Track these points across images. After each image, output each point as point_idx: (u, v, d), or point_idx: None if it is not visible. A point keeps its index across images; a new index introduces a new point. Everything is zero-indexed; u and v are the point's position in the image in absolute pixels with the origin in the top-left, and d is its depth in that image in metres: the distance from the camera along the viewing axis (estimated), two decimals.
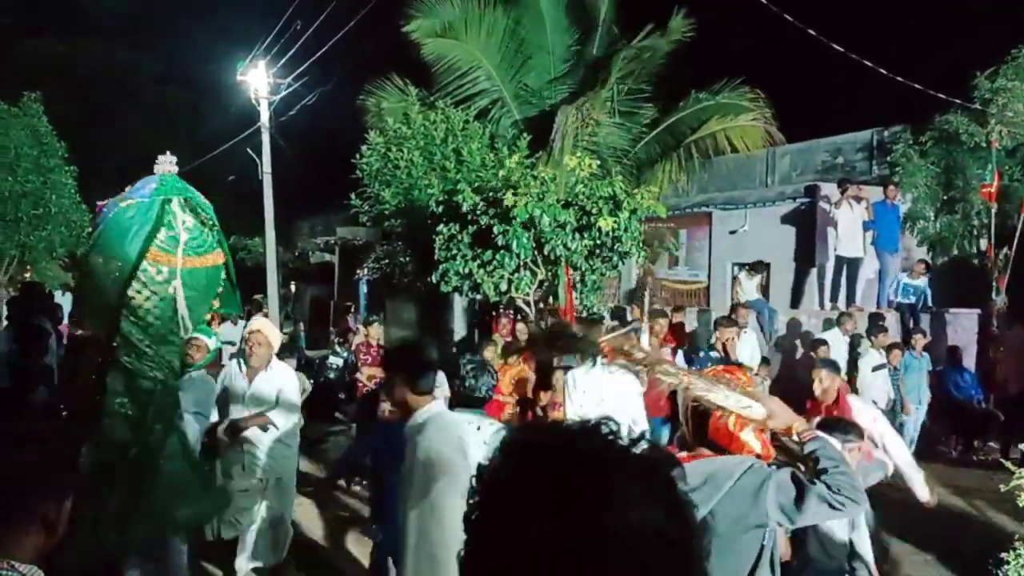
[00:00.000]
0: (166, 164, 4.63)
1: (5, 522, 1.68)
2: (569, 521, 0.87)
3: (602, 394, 5.99)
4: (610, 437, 0.96)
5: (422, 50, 14.44)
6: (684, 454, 2.72)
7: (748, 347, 9.37)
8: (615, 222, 9.13)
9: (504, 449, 0.98)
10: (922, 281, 11.83)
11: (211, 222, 4.56)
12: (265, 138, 17.96)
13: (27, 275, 17.52)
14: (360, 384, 9.25)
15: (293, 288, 26.42)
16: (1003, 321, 11.47)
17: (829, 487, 2.44)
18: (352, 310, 19.56)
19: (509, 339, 9.32)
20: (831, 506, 2.44)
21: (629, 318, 9.83)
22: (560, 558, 0.86)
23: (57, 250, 17.75)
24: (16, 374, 6.98)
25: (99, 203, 4.59)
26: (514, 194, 9.14)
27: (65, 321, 11.46)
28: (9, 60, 22.95)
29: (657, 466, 0.96)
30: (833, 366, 5.76)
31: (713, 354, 8.46)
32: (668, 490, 0.94)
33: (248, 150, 18.55)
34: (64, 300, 17.91)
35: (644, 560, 0.88)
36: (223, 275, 4.73)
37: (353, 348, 10.97)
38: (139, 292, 4.37)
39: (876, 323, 10.29)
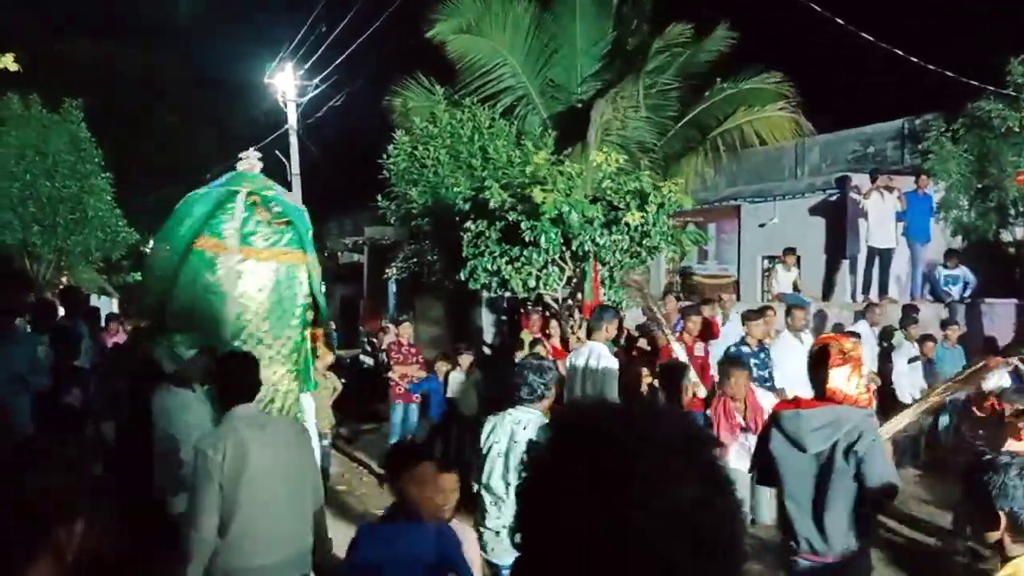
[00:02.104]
0: (248, 161, 4.71)
1: (15, 548, 1.57)
2: (611, 498, 0.88)
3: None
4: (649, 415, 0.97)
5: (447, 48, 14.47)
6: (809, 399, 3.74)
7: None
8: (643, 216, 9.10)
9: (549, 428, 1.01)
10: (960, 271, 11.67)
11: (286, 220, 4.66)
12: (293, 140, 18.15)
13: (64, 279, 17.85)
14: (392, 383, 9.32)
15: (323, 288, 26.59)
16: None
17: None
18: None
19: (539, 336, 9.33)
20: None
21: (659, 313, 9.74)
22: (604, 535, 0.87)
23: (93, 254, 18.06)
24: (52, 376, 7.11)
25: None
26: (542, 190, 9.15)
27: (103, 324, 11.68)
28: (48, 65, 23.37)
29: (697, 443, 0.96)
30: (741, 365, 6.27)
31: (744, 348, 8.40)
32: (708, 467, 0.94)
33: (276, 152, 18.75)
34: (101, 303, 18.28)
35: (686, 537, 0.88)
36: (300, 276, 4.82)
37: (384, 347, 11.05)
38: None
39: (909, 315, 10.14)
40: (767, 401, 5.89)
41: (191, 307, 4.80)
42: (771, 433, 3.74)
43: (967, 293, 11.68)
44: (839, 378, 3.56)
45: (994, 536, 2.52)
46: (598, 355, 6.35)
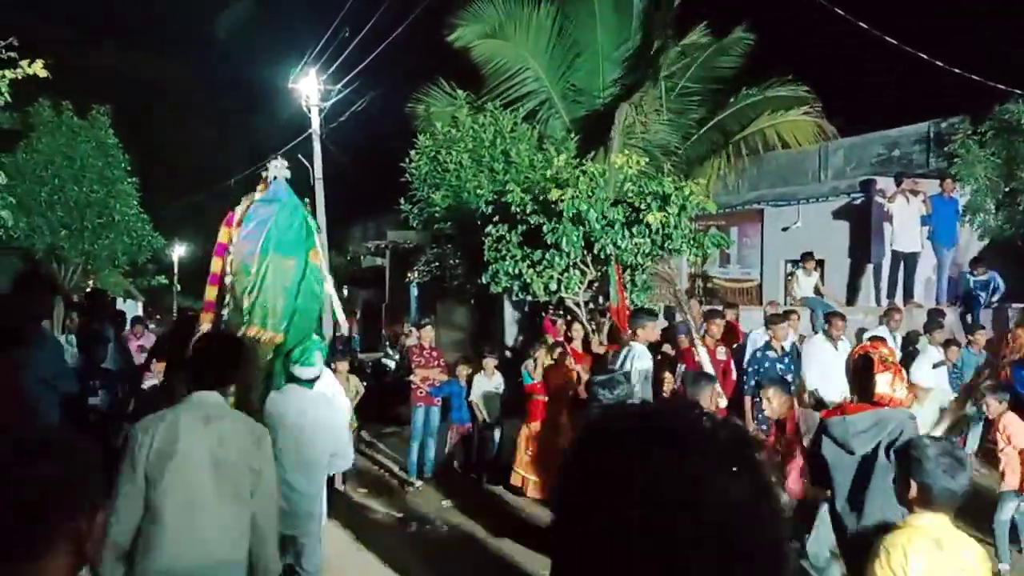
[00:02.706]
0: (277, 170, 4.82)
1: (29, 542, 1.47)
2: (662, 497, 0.87)
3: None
4: (695, 417, 0.96)
5: (472, 52, 14.54)
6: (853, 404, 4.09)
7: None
8: (664, 217, 9.07)
9: (591, 429, 0.98)
10: (990, 276, 11.54)
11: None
12: (316, 145, 18.26)
13: (91, 282, 18.08)
14: (414, 386, 9.35)
15: (346, 292, 26.81)
16: None
17: None
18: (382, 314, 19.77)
19: (560, 340, 9.33)
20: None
21: (687, 307, 9.69)
22: (651, 534, 0.86)
23: (119, 258, 18.28)
24: (79, 379, 7.20)
25: (230, 213, 4.81)
26: (559, 188, 9.16)
27: (128, 327, 11.82)
28: (77, 72, 23.73)
29: (743, 445, 0.95)
30: (783, 385, 6.07)
31: (770, 353, 8.35)
32: (754, 469, 0.93)
33: (300, 156, 18.88)
34: (125, 307, 18.50)
35: (732, 538, 0.87)
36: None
37: (406, 350, 11.09)
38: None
39: (935, 319, 10.03)
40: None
41: (311, 321, 4.85)
42: (822, 439, 4.04)
43: (996, 298, 11.54)
44: (884, 384, 3.96)
45: (907, 499, 3.09)
46: (635, 356, 6.43)
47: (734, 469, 0.90)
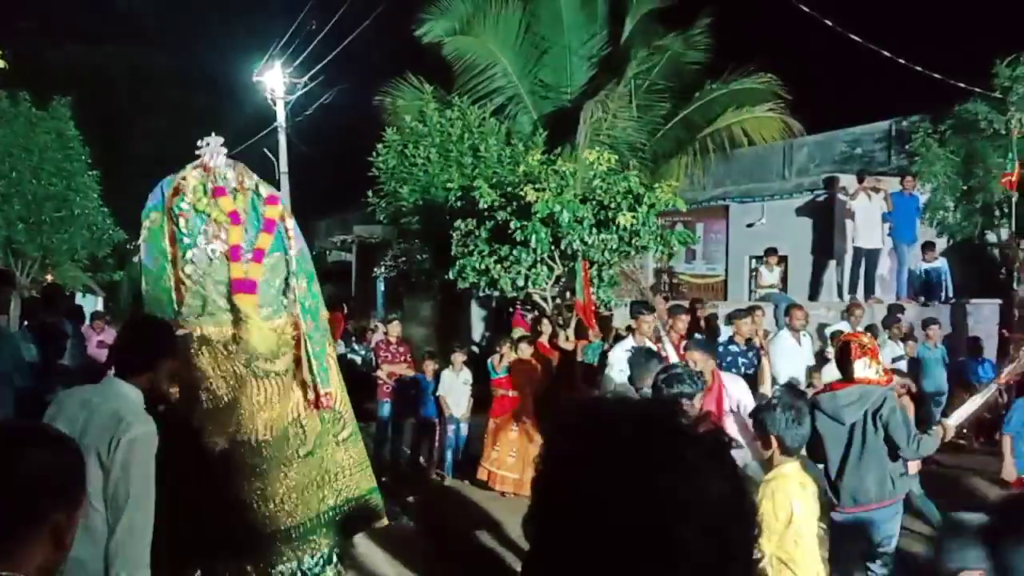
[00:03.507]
0: (210, 149, 4.39)
1: (12, 531, 1.46)
2: (657, 490, 0.88)
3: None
4: (681, 415, 0.98)
5: (443, 48, 14.47)
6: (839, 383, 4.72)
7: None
8: (634, 217, 9.12)
9: (577, 421, 0.98)
10: (940, 263, 11.82)
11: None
12: (281, 138, 18.11)
13: (49, 277, 17.73)
14: (380, 382, 9.31)
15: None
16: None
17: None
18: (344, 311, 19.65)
19: (527, 334, 9.35)
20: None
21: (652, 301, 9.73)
22: (645, 528, 0.86)
23: (79, 252, 17.93)
24: (37, 376, 7.07)
25: (271, 194, 4.26)
26: (534, 189, 9.16)
27: (87, 323, 11.61)
28: (37, 64, 23.24)
29: (725, 443, 0.98)
30: (705, 348, 6.20)
31: (733, 347, 8.43)
32: (734, 467, 0.96)
33: (265, 150, 18.68)
34: (84, 302, 18.17)
35: (718, 532, 0.88)
36: None
37: (372, 346, 11.02)
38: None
39: (894, 314, 10.21)
40: (737, 386, 5.83)
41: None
42: (815, 414, 4.43)
43: (945, 281, 11.80)
44: (860, 367, 4.59)
45: (767, 453, 3.61)
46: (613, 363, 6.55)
47: (719, 468, 0.93)
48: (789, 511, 3.32)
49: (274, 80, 18.26)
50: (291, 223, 4.21)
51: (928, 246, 12.19)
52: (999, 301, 11.83)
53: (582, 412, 1.00)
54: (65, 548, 1.53)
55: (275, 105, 18.32)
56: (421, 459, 9.47)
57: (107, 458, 2.76)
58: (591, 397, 5.24)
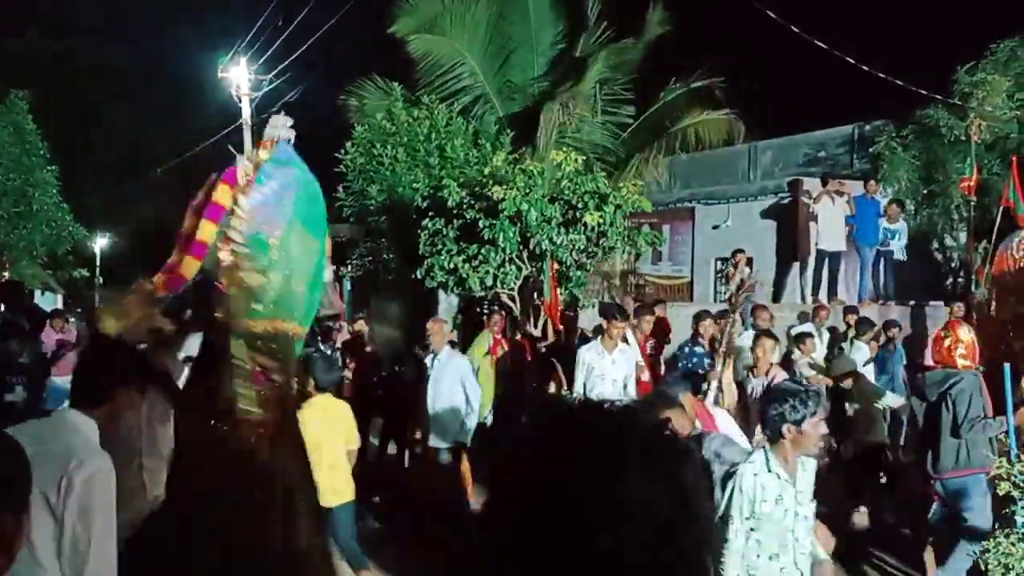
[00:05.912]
0: (277, 129, 3.73)
1: None
2: (628, 489, 0.89)
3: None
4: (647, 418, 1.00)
5: (408, 47, 14.41)
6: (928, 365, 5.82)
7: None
8: (601, 216, 9.16)
9: (543, 420, 1.00)
10: (900, 224, 12.04)
11: None
12: (247, 135, 17.87)
13: (6, 274, 17.37)
14: (347, 382, 9.23)
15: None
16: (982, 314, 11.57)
17: None
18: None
19: (500, 335, 9.33)
20: None
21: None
22: (607, 525, 0.87)
23: (38, 249, 17.60)
24: None
25: (230, 169, 3.53)
26: (502, 188, 9.16)
27: (48, 321, 11.37)
28: None
29: (688, 447, 1.00)
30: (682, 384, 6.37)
31: (698, 349, 8.49)
32: (695, 468, 0.97)
33: (230, 147, 18.41)
34: (43, 300, 17.81)
35: (677, 529, 0.90)
36: None
37: (338, 345, 10.94)
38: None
39: (867, 321, 10.32)
40: (722, 419, 5.39)
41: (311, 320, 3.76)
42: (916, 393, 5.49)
43: (903, 243, 12.22)
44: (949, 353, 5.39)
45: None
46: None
47: (684, 467, 0.94)
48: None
49: (240, 77, 18.04)
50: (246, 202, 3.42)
51: (897, 203, 12.36)
52: (960, 304, 12.05)
53: (560, 413, 1.00)
54: (11, 555, 1.44)
55: (240, 102, 18.09)
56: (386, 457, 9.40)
57: (56, 501, 2.37)
58: (562, 399, 5.23)
